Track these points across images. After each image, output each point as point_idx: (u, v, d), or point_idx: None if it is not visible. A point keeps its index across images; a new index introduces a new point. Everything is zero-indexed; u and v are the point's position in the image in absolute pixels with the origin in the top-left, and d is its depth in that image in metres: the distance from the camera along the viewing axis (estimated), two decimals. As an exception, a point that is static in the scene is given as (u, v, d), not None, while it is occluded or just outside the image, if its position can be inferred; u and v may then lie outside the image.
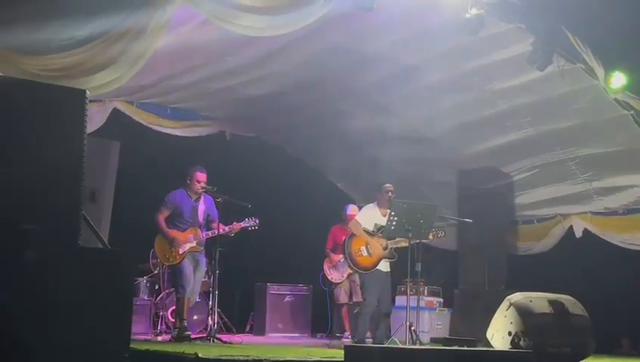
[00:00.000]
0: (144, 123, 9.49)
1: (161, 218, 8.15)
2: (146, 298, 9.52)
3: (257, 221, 8.26)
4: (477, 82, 8.70)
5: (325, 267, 9.90)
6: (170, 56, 7.47)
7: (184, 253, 8.09)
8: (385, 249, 8.11)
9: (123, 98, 9.21)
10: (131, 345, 5.25)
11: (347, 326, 9.71)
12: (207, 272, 9.32)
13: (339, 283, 9.76)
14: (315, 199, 11.04)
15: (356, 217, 8.38)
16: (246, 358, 5.30)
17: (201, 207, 8.26)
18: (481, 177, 10.04)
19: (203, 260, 8.37)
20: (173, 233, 8.12)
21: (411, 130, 9.74)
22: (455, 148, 10.06)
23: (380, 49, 8.15)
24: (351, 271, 9.15)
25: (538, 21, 7.43)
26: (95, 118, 8.96)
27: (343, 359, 5.02)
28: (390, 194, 8.25)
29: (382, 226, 8.11)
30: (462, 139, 9.82)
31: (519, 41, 7.71)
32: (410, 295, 7.93)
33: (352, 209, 9.72)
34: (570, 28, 7.27)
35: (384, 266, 8.19)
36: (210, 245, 8.39)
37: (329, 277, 9.84)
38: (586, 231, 9.73)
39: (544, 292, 6.15)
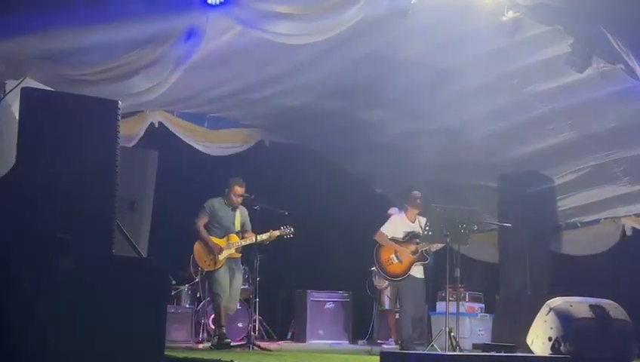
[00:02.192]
0: (182, 135, 9.57)
1: (201, 224, 8.24)
2: (187, 306, 9.56)
3: (293, 229, 8.30)
4: (515, 85, 8.57)
5: (373, 275, 9.91)
6: (210, 66, 7.53)
7: (222, 259, 8.12)
8: (414, 253, 8.05)
9: (163, 108, 9.31)
10: (170, 353, 5.29)
11: (393, 333, 9.66)
12: (247, 279, 9.38)
13: (384, 288, 9.75)
14: (354, 205, 11.01)
15: (381, 228, 8.34)
16: (282, 365, 5.27)
17: (237, 216, 8.36)
18: (522, 181, 9.90)
19: (240, 267, 8.41)
20: (213, 239, 8.15)
21: (449, 135, 9.64)
22: (494, 152, 9.93)
23: (415, 55, 8.08)
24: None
25: (576, 22, 7.27)
26: (134, 130, 9.09)
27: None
28: (419, 201, 8.22)
29: (411, 232, 8.08)
30: (501, 143, 9.69)
31: (557, 42, 7.57)
32: (450, 301, 7.84)
33: (391, 210, 9.71)
34: (609, 29, 7.10)
35: (417, 272, 8.17)
36: (249, 253, 8.41)
37: (375, 284, 9.86)
38: (630, 233, 9.57)
39: (587, 296, 6.01)
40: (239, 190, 8.20)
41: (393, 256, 8.12)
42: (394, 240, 8.16)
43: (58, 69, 5.67)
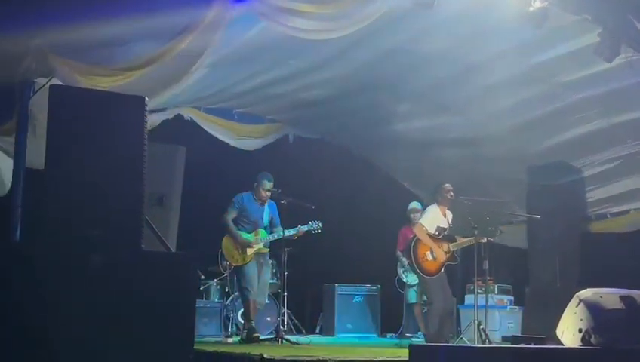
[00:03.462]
0: (211, 129, 9.59)
1: (229, 218, 8.29)
2: (216, 300, 9.66)
3: (321, 224, 8.34)
4: (543, 76, 8.47)
5: (399, 270, 9.88)
6: (235, 61, 7.55)
7: (251, 254, 8.17)
8: (447, 252, 8.02)
9: (190, 105, 9.36)
10: (199, 347, 5.33)
11: (422, 326, 9.63)
12: (275, 274, 9.45)
13: (413, 285, 9.73)
14: (381, 199, 11.01)
15: (421, 221, 8.30)
16: (310, 358, 5.31)
17: (266, 211, 8.43)
18: (551, 173, 9.78)
19: (269, 261, 8.48)
20: (241, 234, 8.21)
21: (476, 128, 9.56)
22: (522, 144, 9.83)
23: (440, 49, 8.02)
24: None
25: (604, 11, 7.17)
26: (158, 123, 9.12)
27: (408, 358, 4.94)
28: (451, 194, 8.15)
29: (444, 229, 8.04)
30: (529, 134, 9.58)
31: (586, 32, 7.45)
32: (479, 293, 7.79)
33: (412, 204, 9.76)
34: (637, 17, 7.00)
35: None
36: (277, 247, 8.45)
37: (404, 280, 9.83)
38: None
39: (618, 288, 5.92)
40: (268, 184, 8.24)
41: (429, 253, 8.10)
42: (429, 235, 8.14)
43: (83, 67, 5.71)
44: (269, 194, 8.26)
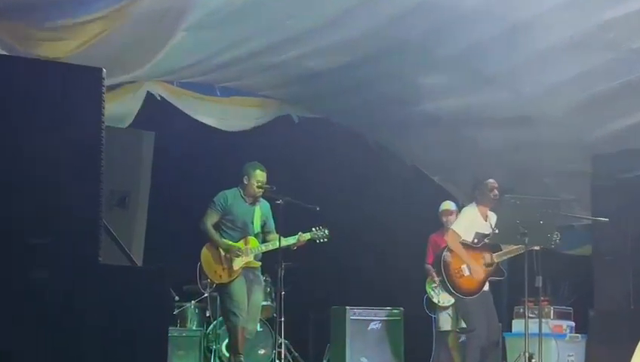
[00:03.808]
0: (186, 108, 9.61)
1: (209, 223, 8.28)
2: (194, 328, 9.65)
3: (327, 231, 8.38)
4: (610, 40, 8.44)
5: (428, 289, 9.89)
6: (218, 23, 7.57)
7: (238, 269, 8.16)
8: (489, 265, 8.01)
9: (161, 78, 9.40)
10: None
11: (458, 360, 9.69)
12: (269, 294, 9.46)
13: (445, 307, 9.77)
14: (405, 198, 11.05)
15: (453, 226, 8.31)
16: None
17: (257, 213, 8.40)
18: (622, 163, 9.78)
19: (261, 278, 8.48)
20: (222, 244, 8.26)
21: (525, 106, 9.56)
22: (585, 127, 9.83)
23: (482, 3, 8.01)
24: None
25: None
26: (128, 107, 9.16)
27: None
28: (495, 192, 8.15)
29: (485, 235, 8.03)
30: (593, 114, 9.57)
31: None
32: (531, 318, 7.78)
33: (445, 205, 9.76)
34: None
35: (485, 285, 8.18)
36: (271, 260, 8.47)
37: (434, 300, 9.84)
38: None
39: None
40: (259, 175, 8.24)
41: (465, 266, 8.09)
42: (465, 244, 8.15)
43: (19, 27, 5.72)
44: (261, 190, 8.26)
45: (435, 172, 11.66)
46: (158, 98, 9.37)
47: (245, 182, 8.32)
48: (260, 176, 8.26)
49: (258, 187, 8.25)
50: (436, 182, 11.58)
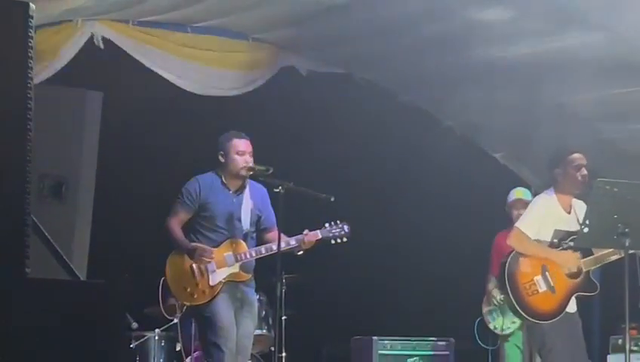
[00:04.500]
0: (145, 60, 9.57)
1: (175, 224, 8.25)
2: (160, 366, 9.71)
3: (347, 228, 8.28)
4: None
5: (484, 307, 9.98)
6: None
7: (218, 284, 8.16)
8: (576, 276, 7.99)
9: (109, 16, 9.38)
10: None
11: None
12: (264, 319, 9.50)
13: (509, 336, 9.81)
14: (454, 183, 11.12)
15: (518, 223, 8.26)
16: None
17: (247, 204, 8.34)
18: None
19: (253, 297, 8.45)
20: (185, 247, 8.22)
21: (627, 53, 9.51)
22: None
23: None
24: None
25: None
26: (62, 51, 9.12)
27: None
28: (583, 171, 8.10)
29: (569, 234, 7.99)
30: None
31: None
32: (633, 352, 7.81)
33: (514, 194, 9.80)
34: None
35: (570, 304, 8.10)
36: (267, 271, 8.45)
37: (491, 326, 9.92)
38: None
39: None
40: (240, 144, 8.21)
41: (539, 278, 8.03)
42: (538, 245, 8.10)
43: None
44: (246, 164, 8.18)
45: (497, 147, 11.65)
46: (102, 45, 9.31)
47: (222, 160, 8.27)
48: (240, 145, 8.21)
49: (242, 165, 8.22)
50: (499, 161, 11.55)
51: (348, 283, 10.93)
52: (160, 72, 9.66)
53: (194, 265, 8.14)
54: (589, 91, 10.08)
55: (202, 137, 9.46)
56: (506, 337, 9.82)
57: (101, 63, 9.38)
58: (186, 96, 9.91)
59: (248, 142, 8.27)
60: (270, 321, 9.55)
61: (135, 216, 9.72)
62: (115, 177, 9.30)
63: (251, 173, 8.24)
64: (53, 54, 8.95)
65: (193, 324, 9.18)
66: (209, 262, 8.11)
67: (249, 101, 10.31)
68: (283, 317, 8.46)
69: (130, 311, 9.21)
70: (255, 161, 8.23)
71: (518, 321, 9.53)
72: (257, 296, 8.75)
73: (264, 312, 9.54)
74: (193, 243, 8.17)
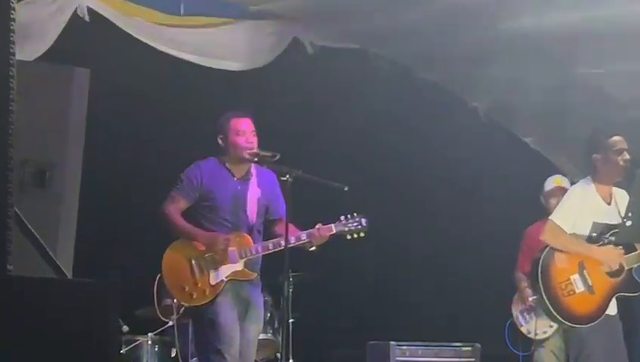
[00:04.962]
0: (134, 33, 9.57)
1: (174, 211, 8.22)
2: (153, 374, 9.78)
3: (365, 221, 8.27)
4: None
5: (514, 308, 10.03)
6: None
7: (220, 282, 8.19)
8: (618, 275, 7.99)
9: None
10: None
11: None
12: (270, 322, 9.54)
13: (544, 340, 9.85)
14: (481, 171, 11.17)
15: (552, 215, 8.26)
16: None
17: (253, 192, 8.33)
18: None
19: (259, 298, 8.45)
20: (202, 236, 8.21)
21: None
22: None
23: None
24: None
25: None
26: (46, 28, 9.15)
27: None
28: (625, 156, 8.08)
29: (610, 227, 8.00)
30: None
31: None
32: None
33: (552, 182, 9.82)
34: None
35: (611, 306, 8.11)
36: (274, 269, 8.43)
37: (523, 330, 9.97)
38: None
39: None
40: (239, 124, 8.20)
41: (576, 276, 8.04)
42: (574, 240, 8.11)
43: None
44: (250, 147, 8.16)
45: (528, 130, 11.67)
46: (87, 17, 9.28)
47: (222, 143, 8.27)
48: (240, 124, 8.20)
49: (246, 147, 8.17)
50: (530, 146, 11.56)
51: (362, 282, 10.99)
52: (151, 43, 9.61)
53: (193, 261, 8.12)
54: (632, 68, 10.07)
55: (202, 119, 9.48)
56: (540, 342, 9.86)
57: (88, 38, 9.36)
58: (183, 73, 9.93)
59: (249, 121, 8.26)
60: (276, 324, 9.57)
61: (127, 207, 9.79)
62: (105, 163, 9.26)
63: (255, 159, 8.25)
64: (36, 29, 9.03)
65: (191, 327, 9.19)
66: (225, 252, 8.05)
67: (253, 80, 10.30)
68: (290, 320, 8.44)
69: (121, 313, 9.18)
70: (260, 146, 8.21)
71: (555, 324, 9.52)
72: (264, 297, 8.75)
73: (269, 314, 9.54)
74: (210, 232, 8.14)
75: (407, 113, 11.29)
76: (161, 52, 9.69)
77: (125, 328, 9.64)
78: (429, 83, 11.53)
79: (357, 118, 10.99)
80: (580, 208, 8.15)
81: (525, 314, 9.89)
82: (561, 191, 9.43)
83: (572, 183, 9.27)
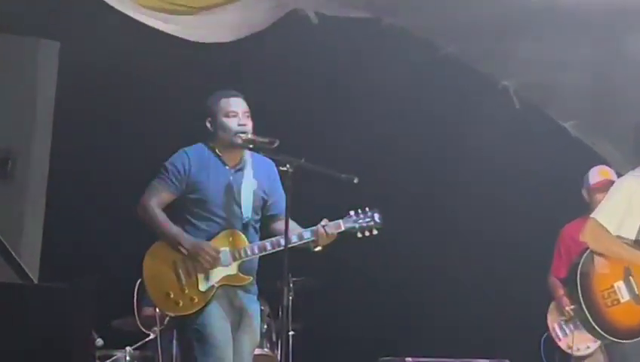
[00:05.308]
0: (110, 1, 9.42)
1: (156, 205, 8.06)
2: (133, 394, 9.75)
3: (378, 216, 8.08)
4: None
5: (550, 319, 9.99)
6: None
7: (210, 289, 8.00)
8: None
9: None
10: None
11: None
12: (267, 335, 9.42)
13: (586, 357, 9.83)
14: (512, 160, 10.97)
15: (594, 213, 8.13)
16: None
17: (248, 183, 8.18)
18: None
19: (254, 306, 8.30)
20: (187, 242, 8.00)
21: None
22: None
23: None
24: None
25: None
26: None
27: None
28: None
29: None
30: None
31: None
32: None
33: (598, 174, 9.69)
34: None
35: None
36: (271, 273, 8.22)
37: (561, 344, 9.96)
38: None
39: None
40: (228, 103, 8.05)
41: (621, 284, 7.89)
42: (620, 242, 7.92)
43: None
44: (243, 130, 8.00)
45: (567, 114, 11.49)
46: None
47: (210, 127, 8.14)
48: (230, 104, 8.08)
49: (237, 131, 8.02)
50: (569, 131, 11.33)
51: (373, 288, 10.92)
52: (130, 14, 9.43)
53: (179, 263, 7.97)
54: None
55: (189, 101, 9.29)
56: (581, 359, 9.81)
57: (58, 7, 9.19)
58: (168, 47, 9.67)
59: (241, 101, 8.14)
60: (274, 338, 9.51)
61: (103, 200, 9.68)
62: (76, 151, 9.18)
63: (251, 145, 8.06)
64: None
65: (176, 341, 9.16)
66: (211, 267, 7.93)
67: (248, 56, 10.23)
68: (290, 333, 8.26)
69: (94, 324, 8.92)
70: (256, 131, 8.05)
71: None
72: (260, 306, 8.65)
73: (265, 326, 9.47)
74: (191, 238, 7.96)
75: (426, 93, 11.11)
76: (142, 24, 9.40)
77: (100, 341, 9.46)
78: (452, 59, 11.34)
79: (368, 98, 10.86)
80: (628, 205, 7.98)
81: (564, 326, 9.83)
82: (609, 184, 9.29)
83: (618, 176, 9.11)
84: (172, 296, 7.96)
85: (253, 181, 8.13)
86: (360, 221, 8.05)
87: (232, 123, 8.00)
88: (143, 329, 9.42)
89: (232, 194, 8.08)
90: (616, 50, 10.48)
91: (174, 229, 7.97)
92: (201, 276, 7.94)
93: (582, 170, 9.85)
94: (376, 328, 10.96)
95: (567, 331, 9.75)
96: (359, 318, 10.89)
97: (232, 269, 7.99)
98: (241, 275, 8.03)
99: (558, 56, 10.77)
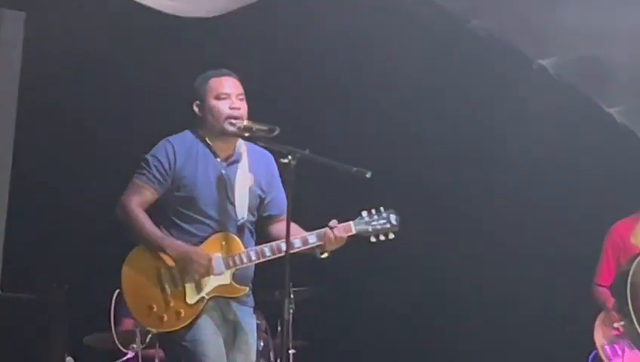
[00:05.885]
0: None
1: (137, 204, 8.03)
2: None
3: (394, 218, 8.07)
4: None
5: (598, 335, 9.92)
6: None
7: (200, 301, 8.00)
8: None
9: None
10: None
11: None
12: (262, 352, 9.50)
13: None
14: (552, 150, 11.04)
15: None
16: None
17: (244, 178, 8.17)
18: None
19: (250, 320, 8.33)
20: (172, 248, 8.00)
21: None
22: None
23: None
24: None
25: None
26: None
27: None
28: None
29: None
30: None
31: None
32: None
33: None
34: None
35: None
36: (269, 283, 8.25)
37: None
38: None
39: None
40: (222, 84, 8.02)
41: None
42: None
43: None
44: (236, 115, 7.97)
45: (614, 98, 11.49)
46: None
47: (198, 111, 8.11)
48: (221, 85, 8.05)
49: (229, 116, 7.99)
50: (616, 118, 11.36)
51: (386, 301, 10.94)
52: None
53: (163, 271, 7.98)
54: None
55: (175, 83, 9.40)
56: None
57: None
58: (149, 22, 9.62)
59: (235, 81, 8.11)
60: (272, 356, 9.58)
61: (76, 201, 9.68)
62: (44, 142, 9.14)
63: (246, 134, 8.03)
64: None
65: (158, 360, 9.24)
66: (202, 276, 7.92)
67: (244, 32, 10.25)
68: (291, 351, 8.28)
69: (66, 341, 9.07)
70: (252, 117, 8.02)
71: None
72: (257, 320, 8.61)
73: (262, 343, 9.56)
74: (178, 243, 7.94)
75: (450, 74, 11.12)
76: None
77: (70, 360, 9.43)
78: (482, 34, 11.21)
79: (385, 79, 10.81)
80: None
81: (614, 344, 9.76)
82: None
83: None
84: (155, 309, 7.95)
85: (249, 175, 8.13)
86: (374, 223, 8.04)
87: (223, 106, 7.97)
88: (121, 348, 9.45)
89: (224, 191, 8.07)
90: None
91: (158, 233, 7.96)
92: (189, 286, 7.92)
93: (630, 163, 10.01)
94: (389, 345, 11.05)
95: (619, 350, 9.71)
96: (369, 335, 10.96)
97: (226, 278, 7.99)
98: (236, 285, 8.03)
99: (605, 29, 10.61)
